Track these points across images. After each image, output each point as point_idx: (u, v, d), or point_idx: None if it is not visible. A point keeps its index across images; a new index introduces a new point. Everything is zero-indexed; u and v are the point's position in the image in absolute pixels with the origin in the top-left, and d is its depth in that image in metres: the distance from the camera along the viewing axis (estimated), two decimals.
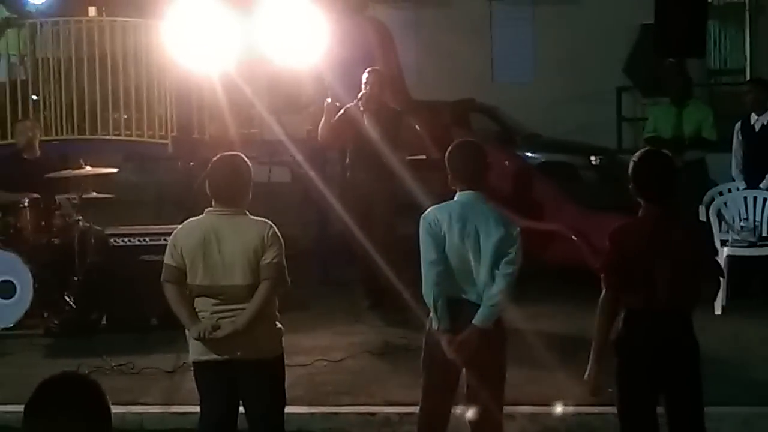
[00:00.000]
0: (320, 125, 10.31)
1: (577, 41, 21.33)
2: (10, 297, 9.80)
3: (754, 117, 10.85)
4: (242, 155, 5.95)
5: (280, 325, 5.88)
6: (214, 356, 5.72)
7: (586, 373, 5.41)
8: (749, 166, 10.75)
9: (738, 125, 10.92)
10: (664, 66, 11.84)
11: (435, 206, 5.84)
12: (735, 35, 23.24)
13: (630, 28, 20.59)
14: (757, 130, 10.81)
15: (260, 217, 5.87)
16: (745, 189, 10.64)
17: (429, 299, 5.69)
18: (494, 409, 5.86)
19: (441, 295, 5.65)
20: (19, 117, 13.31)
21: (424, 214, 5.80)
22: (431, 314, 5.72)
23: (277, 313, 5.88)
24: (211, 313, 5.70)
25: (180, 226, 5.90)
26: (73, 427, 2.76)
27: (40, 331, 9.77)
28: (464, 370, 5.82)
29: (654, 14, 12.13)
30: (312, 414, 7.46)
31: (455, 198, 5.82)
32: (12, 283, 9.78)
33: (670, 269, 5.24)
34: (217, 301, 5.69)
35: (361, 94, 10.14)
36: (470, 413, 5.86)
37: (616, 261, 5.32)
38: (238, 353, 5.69)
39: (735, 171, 10.87)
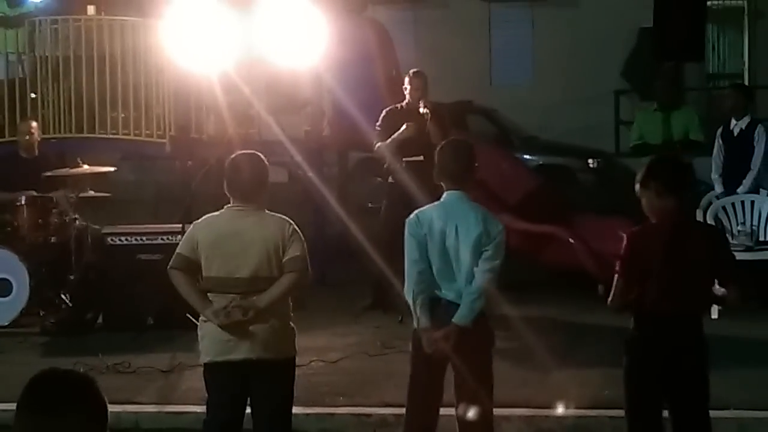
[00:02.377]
0: (378, 147, 9.95)
1: (576, 44, 21.34)
2: (7, 295, 9.80)
3: (733, 122, 10.90)
4: (258, 153, 5.96)
5: (293, 326, 5.90)
6: (232, 356, 5.68)
7: None
8: (727, 171, 10.79)
9: (719, 130, 10.97)
10: (659, 71, 11.85)
11: (420, 209, 5.89)
12: (733, 39, 23.25)
13: (628, 32, 20.60)
14: (735, 134, 10.86)
15: None
16: (722, 194, 10.69)
17: (409, 298, 5.76)
18: (483, 408, 5.87)
19: (421, 293, 5.71)
20: (18, 115, 13.29)
21: (408, 218, 5.86)
22: (413, 314, 5.78)
23: (290, 314, 5.89)
24: (226, 308, 5.67)
25: (199, 220, 5.91)
26: (70, 423, 2.70)
27: (36, 329, 9.77)
28: (451, 369, 5.84)
29: (653, 18, 12.14)
30: (307, 414, 7.45)
31: (441, 198, 5.86)
32: (8, 281, 9.78)
33: (684, 272, 5.26)
34: (233, 294, 5.67)
35: (408, 101, 9.89)
36: (458, 412, 5.88)
37: (629, 272, 5.32)
38: (256, 352, 5.68)
39: (714, 175, 10.91)
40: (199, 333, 5.81)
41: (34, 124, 11.17)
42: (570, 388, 7.66)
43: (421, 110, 9.91)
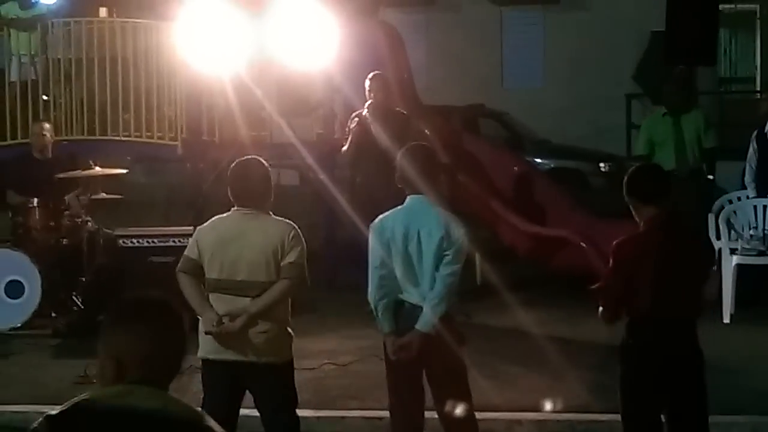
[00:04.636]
0: (342, 152, 10.36)
1: (587, 47, 21.32)
2: (19, 297, 9.82)
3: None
4: (258, 158, 6.00)
5: (291, 331, 5.92)
6: (224, 356, 5.75)
7: None
8: (761, 176, 10.72)
9: (754, 134, 10.89)
10: (671, 75, 11.82)
11: (383, 215, 5.93)
12: (746, 43, 23.22)
13: (640, 35, 20.57)
14: None
15: None
16: (755, 198, 10.62)
17: (372, 303, 5.82)
18: (462, 408, 5.92)
19: (383, 298, 5.77)
20: (30, 117, 13.32)
21: (372, 223, 5.91)
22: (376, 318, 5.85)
23: (289, 319, 5.91)
24: (225, 312, 5.72)
25: (206, 223, 5.96)
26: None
27: (48, 331, 9.78)
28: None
29: (665, 21, 12.12)
30: (318, 418, 7.45)
31: (404, 203, 5.89)
32: (20, 283, 9.80)
33: (674, 277, 5.25)
34: (232, 296, 5.73)
35: (368, 103, 10.17)
36: (440, 415, 5.96)
37: (615, 284, 5.33)
38: (248, 356, 5.72)
39: (748, 179, 10.83)
40: (199, 327, 5.84)
41: (47, 125, 11.19)
42: (581, 391, 7.65)
43: (364, 112, 10.21)
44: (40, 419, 2.97)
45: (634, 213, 5.48)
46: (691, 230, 5.64)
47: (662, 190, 5.46)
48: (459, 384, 5.92)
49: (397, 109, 10.53)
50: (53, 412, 2.96)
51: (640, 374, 5.32)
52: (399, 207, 5.90)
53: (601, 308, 5.38)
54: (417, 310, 5.76)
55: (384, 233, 5.80)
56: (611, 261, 5.40)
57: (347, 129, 10.45)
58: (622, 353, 5.40)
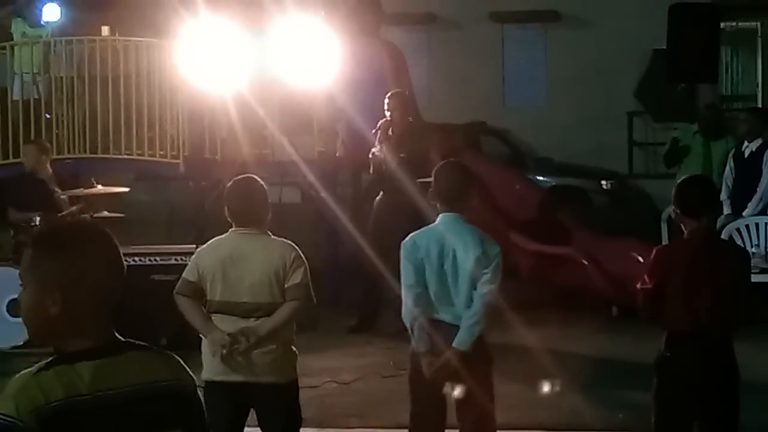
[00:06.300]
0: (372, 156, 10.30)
1: (589, 65, 21.33)
2: (20, 315, 9.79)
3: (745, 144, 10.94)
4: (255, 177, 5.97)
5: (295, 350, 5.90)
6: (231, 377, 5.70)
7: None
8: (736, 193, 10.81)
9: (731, 153, 11.01)
10: (677, 93, 11.92)
11: (415, 233, 5.87)
12: (747, 61, 23.22)
13: (642, 53, 20.59)
14: (746, 156, 10.88)
15: None
16: (728, 215, 10.70)
17: (407, 322, 5.75)
18: (487, 429, 5.88)
19: (419, 317, 5.70)
20: (32, 136, 13.34)
21: (404, 241, 5.85)
22: (412, 337, 5.78)
23: (293, 338, 5.89)
24: (229, 333, 5.68)
25: (204, 245, 5.93)
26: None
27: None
28: (451, 392, 5.84)
29: (666, 39, 12.14)
30: None
31: (436, 221, 5.84)
32: None
33: (712, 292, 5.26)
34: (236, 318, 5.69)
35: (383, 120, 10.09)
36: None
37: (654, 288, 5.33)
38: (255, 376, 5.69)
39: (723, 197, 10.91)
40: (202, 349, 5.81)
41: (34, 146, 11.20)
42: (584, 409, 7.64)
43: (378, 132, 10.15)
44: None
45: (679, 223, 5.49)
46: (730, 245, 5.64)
47: (708, 204, 5.48)
48: (486, 405, 5.84)
49: (416, 123, 10.42)
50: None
51: (674, 388, 5.32)
52: (431, 225, 5.85)
53: (641, 308, 5.38)
54: (452, 329, 5.69)
55: (417, 251, 5.73)
56: (650, 263, 5.42)
57: (375, 146, 10.27)
58: (658, 367, 5.40)
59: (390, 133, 10.10)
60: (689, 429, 5.38)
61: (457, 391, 5.78)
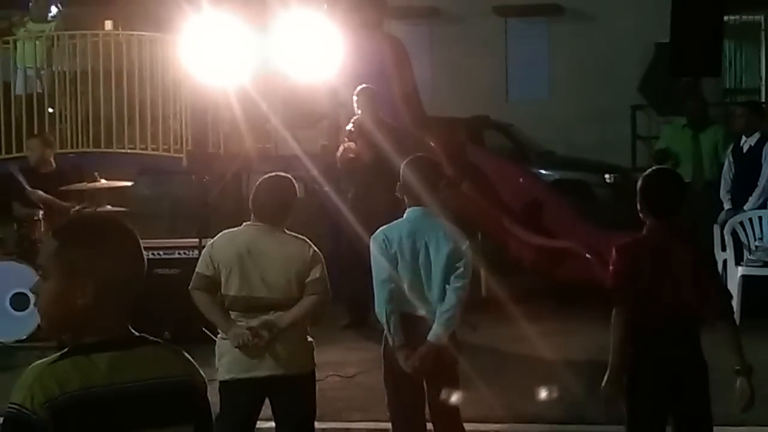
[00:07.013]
0: (341, 152, 10.35)
1: (592, 59, 21.34)
2: (24, 309, 9.83)
3: (743, 139, 10.93)
4: (289, 177, 5.98)
5: (311, 340, 5.92)
6: (256, 373, 5.70)
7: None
8: (736, 188, 10.81)
9: (730, 148, 11.01)
10: (680, 87, 11.93)
11: (385, 227, 5.89)
12: (750, 54, 23.23)
13: (645, 47, 20.60)
14: (744, 151, 10.88)
15: None
16: (729, 210, 10.68)
17: (381, 317, 5.78)
18: (457, 421, 5.95)
19: (393, 312, 5.73)
20: (35, 130, 13.35)
21: (374, 235, 5.88)
22: (385, 331, 5.81)
23: (308, 328, 5.91)
24: (249, 327, 5.68)
25: (216, 237, 5.91)
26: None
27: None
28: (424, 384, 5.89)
29: (669, 33, 12.13)
30: (324, 429, 7.43)
31: (405, 215, 5.86)
32: (26, 295, 9.80)
33: (674, 287, 5.23)
34: (254, 314, 5.69)
35: (354, 118, 10.18)
36: (436, 427, 5.97)
37: (627, 276, 5.29)
38: (279, 369, 5.71)
39: (722, 192, 10.92)
40: (217, 351, 5.79)
41: (38, 140, 11.19)
42: (586, 403, 7.64)
43: (348, 127, 10.27)
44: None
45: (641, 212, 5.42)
46: (692, 239, 5.57)
47: (672, 205, 5.37)
48: (455, 393, 5.92)
49: (386, 120, 10.47)
50: None
51: (642, 385, 5.29)
52: (401, 219, 5.88)
53: (615, 309, 5.33)
54: (425, 322, 5.74)
55: (389, 246, 5.76)
56: (616, 260, 5.36)
57: (344, 139, 10.45)
58: (627, 363, 5.37)
59: (354, 128, 10.18)
60: (661, 427, 5.35)
61: (433, 384, 5.83)
